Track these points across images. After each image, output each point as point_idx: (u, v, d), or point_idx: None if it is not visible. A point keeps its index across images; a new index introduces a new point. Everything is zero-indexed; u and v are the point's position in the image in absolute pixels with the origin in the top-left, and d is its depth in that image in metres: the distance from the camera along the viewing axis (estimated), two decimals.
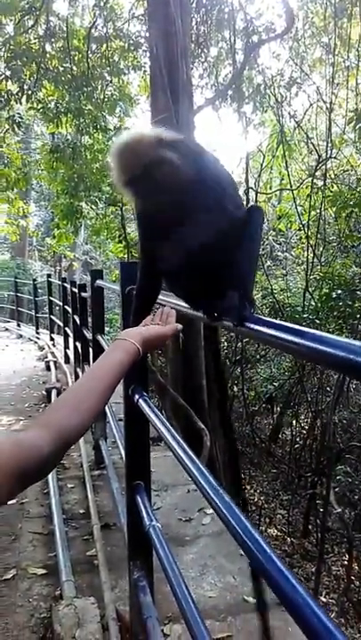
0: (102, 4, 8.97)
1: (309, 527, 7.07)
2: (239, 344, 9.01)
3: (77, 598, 2.27)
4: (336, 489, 5.97)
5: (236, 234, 1.33)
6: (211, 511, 3.22)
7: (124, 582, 2.51)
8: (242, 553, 2.88)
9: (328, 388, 8.30)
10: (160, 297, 1.59)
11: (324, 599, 5.61)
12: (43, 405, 6.15)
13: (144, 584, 1.95)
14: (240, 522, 1.02)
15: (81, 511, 3.45)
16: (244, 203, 1.66)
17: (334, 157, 8.83)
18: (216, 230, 1.29)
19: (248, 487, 8.29)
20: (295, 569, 6.13)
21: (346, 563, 6.01)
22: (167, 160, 1.26)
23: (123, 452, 2.28)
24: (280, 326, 0.93)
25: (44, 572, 2.73)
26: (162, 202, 1.29)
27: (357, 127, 6.55)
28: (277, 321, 1.00)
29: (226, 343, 9.56)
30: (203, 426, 5.59)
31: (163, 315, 1.30)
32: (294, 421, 9.19)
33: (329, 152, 8.34)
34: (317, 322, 6.42)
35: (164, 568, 1.49)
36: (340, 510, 5.62)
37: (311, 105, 9.13)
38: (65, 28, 8.77)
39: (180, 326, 1.26)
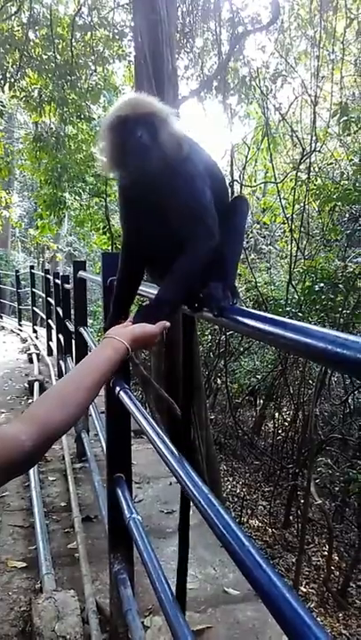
0: None
1: (290, 518, 7.15)
2: (223, 337, 9.03)
3: (57, 591, 2.26)
4: (317, 480, 6.04)
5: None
6: (192, 503, 3.21)
7: (104, 575, 2.51)
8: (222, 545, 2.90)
9: (310, 381, 8.37)
10: (141, 288, 1.58)
11: (304, 589, 5.68)
12: (25, 398, 6.10)
13: (124, 577, 1.95)
14: (218, 514, 1.02)
15: (62, 504, 3.43)
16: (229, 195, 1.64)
17: (318, 151, 8.85)
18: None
19: (230, 479, 8.35)
20: (276, 559, 6.20)
21: (326, 553, 6.09)
22: (163, 120, 1.27)
23: (104, 445, 2.27)
24: (261, 317, 0.92)
25: (23, 565, 2.72)
26: (146, 169, 1.26)
27: (342, 120, 6.56)
28: (259, 312, 0.99)
29: (210, 336, 9.58)
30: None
31: None
32: (277, 414, 9.26)
33: (313, 145, 8.35)
34: (300, 315, 6.45)
35: (143, 561, 1.48)
36: (320, 502, 5.68)
37: (296, 98, 9.12)
38: (49, 16, 8.63)
39: (167, 324, 1.25)
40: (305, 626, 0.68)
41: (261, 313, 0.96)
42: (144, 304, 1.36)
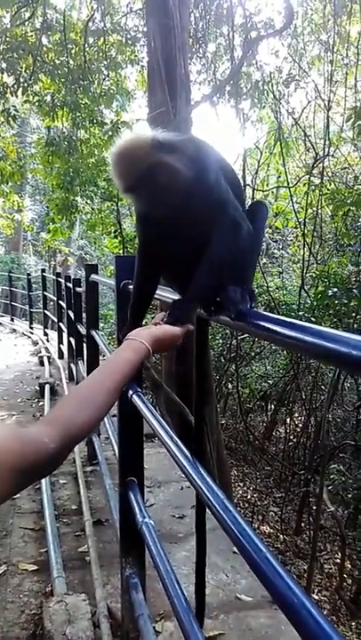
0: None
1: (302, 525, 7.08)
2: (234, 341, 9.00)
3: (68, 595, 2.25)
4: (330, 487, 5.97)
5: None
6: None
7: (115, 579, 2.49)
8: (235, 550, 2.86)
9: (322, 387, 8.31)
10: (158, 292, 1.57)
11: (316, 597, 5.62)
12: (36, 401, 6.11)
13: (136, 581, 1.94)
14: (234, 520, 1.00)
15: (73, 507, 3.43)
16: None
17: (332, 155, 8.81)
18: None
19: (241, 484, 8.29)
20: (288, 566, 6.14)
21: (338, 561, 6.02)
22: (165, 164, 1.23)
23: (116, 448, 2.26)
24: (281, 321, 0.90)
25: (34, 568, 2.71)
26: (163, 205, 1.27)
27: (356, 125, 6.52)
28: (278, 316, 0.97)
29: (221, 340, 9.55)
30: None
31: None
32: (288, 419, 9.19)
33: (326, 150, 8.31)
34: (313, 320, 6.40)
35: (156, 565, 1.47)
36: (333, 509, 5.62)
37: (309, 102, 9.10)
38: (62, 21, 8.70)
39: (191, 327, 1.24)
40: (325, 636, 0.66)
41: (280, 317, 0.94)
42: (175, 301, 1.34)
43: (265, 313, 1.08)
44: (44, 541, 2.91)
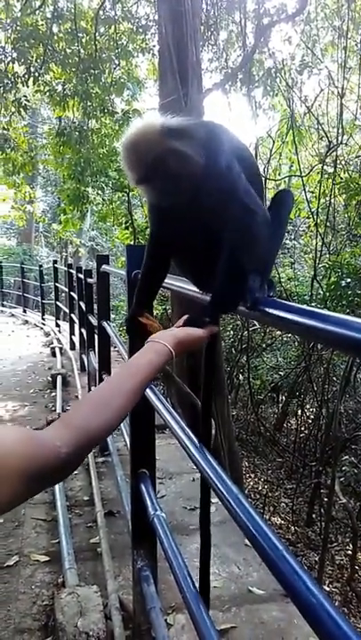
0: None
1: (313, 516, 7.06)
2: (245, 332, 8.95)
3: (80, 586, 2.24)
4: (341, 479, 5.94)
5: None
6: (216, 500, 3.17)
7: (127, 571, 2.49)
8: (247, 543, 2.85)
9: (334, 378, 8.25)
10: (167, 281, 1.54)
11: (327, 588, 5.61)
12: (48, 391, 6.13)
13: (147, 573, 1.93)
14: (247, 512, 0.97)
15: (85, 498, 3.43)
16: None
17: (345, 144, 8.67)
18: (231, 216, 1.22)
19: (252, 475, 8.28)
20: (299, 558, 6.12)
21: (350, 552, 6.00)
22: (175, 151, 1.19)
23: (127, 440, 2.24)
24: (300, 310, 0.86)
25: (46, 559, 2.71)
26: (174, 193, 1.23)
27: None
28: (296, 304, 0.93)
29: (232, 332, 9.51)
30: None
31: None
32: (300, 410, 9.15)
33: (340, 138, 8.18)
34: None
35: (167, 558, 1.46)
36: (344, 501, 5.58)
37: (322, 90, 8.95)
38: (73, 10, 8.62)
39: (215, 329, 1.21)
40: (340, 630, 0.64)
41: (299, 305, 0.91)
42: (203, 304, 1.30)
43: (283, 301, 1.04)
44: (55, 532, 2.91)
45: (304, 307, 0.87)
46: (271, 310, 0.99)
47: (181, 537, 2.84)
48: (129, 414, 2.03)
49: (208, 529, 1.49)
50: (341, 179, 7.77)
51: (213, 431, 5.47)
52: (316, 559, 6.02)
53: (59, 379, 6.06)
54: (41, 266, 13.87)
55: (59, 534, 2.82)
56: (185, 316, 1.23)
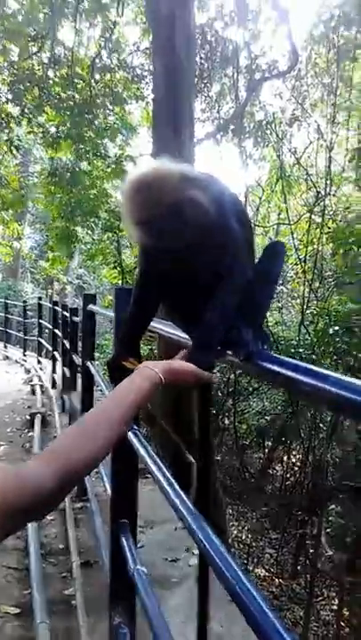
0: (108, 35, 9.14)
1: (298, 568, 6.84)
2: (232, 375, 8.89)
3: None
4: (328, 529, 5.79)
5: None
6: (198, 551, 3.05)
7: (103, 626, 2.33)
8: (230, 598, 2.71)
9: (321, 425, 8.16)
10: (153, 324, 1.50)
11: None
12: (25, 431, 5.95)
13: (125, 631, 1.81)
14: (229, 567, 0.91)
15: (60, 546, 3.26)
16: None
17: (333, 194, 8.90)
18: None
19: (236, 523, 8.05)
20: (283, 612, 5.89)
21: (336, 608, 5.78)
22: (193, 200, 1.19)
23: (107, 484, 2.15)
24: (298, 367, 0.82)
25: (17, 611, 2.55)
26: (180, 240, 1.21)
27: (359, 165, 6.60)
28: (292, 360, 0.88)
29: (218, 374, 9.43)
30: (192, 459, 5.42)
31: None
32: (286, 457, 9.00)
33: (328, 189, 8.40)
34: (313, 357, 6.33)
35: (148, 617, 1.36)
36: (331, 552, 5.42)
37: (311, 142, 9.26)
38: (69, 57, 8.90)
39: (207, 374, 1.15)
40: None
41: (296, 362, 0.86)
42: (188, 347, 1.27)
43: (278, 356, 1.00)
44: (27, 582, 2.75)
45: (300, 363, 0.83)
46: (268, 365, 0.96)
47: (162, 591, 2.70)
48: (110, 460, 1.95)
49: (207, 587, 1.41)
50: (329, 228, 7.93)
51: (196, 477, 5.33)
52: (301, 614, 5.78)
53: (37, 418, 5.89)
54: (25, 302, 13.79)
55: (31, 584, 2.65)
56: (184, 351, 1.20)
